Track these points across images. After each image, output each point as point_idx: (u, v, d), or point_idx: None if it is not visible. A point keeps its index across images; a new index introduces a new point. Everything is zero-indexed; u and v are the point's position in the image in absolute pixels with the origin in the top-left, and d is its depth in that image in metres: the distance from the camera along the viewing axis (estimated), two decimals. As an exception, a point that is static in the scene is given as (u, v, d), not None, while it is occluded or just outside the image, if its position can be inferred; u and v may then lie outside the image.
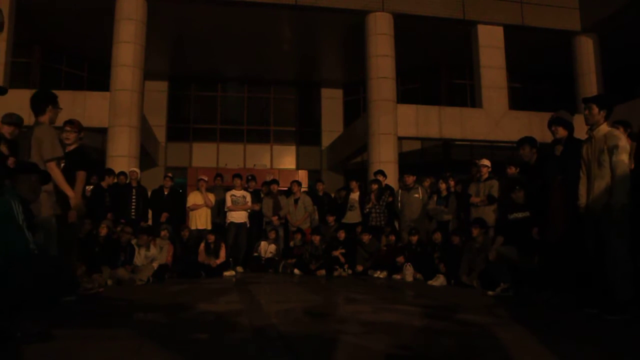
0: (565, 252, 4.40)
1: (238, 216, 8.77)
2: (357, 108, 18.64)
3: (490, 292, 5.42)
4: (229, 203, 8.74)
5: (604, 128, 3.97)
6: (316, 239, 8.39)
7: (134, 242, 7.11)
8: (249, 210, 8.88)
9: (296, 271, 8.23)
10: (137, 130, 11.83)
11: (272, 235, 8.79)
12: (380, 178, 9.04)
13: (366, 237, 8.11)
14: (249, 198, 8.89)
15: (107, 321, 3.63)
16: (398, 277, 7.35)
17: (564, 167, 4.38)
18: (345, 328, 3.25)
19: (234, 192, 8.86)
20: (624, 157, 3.77)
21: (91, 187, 8.25)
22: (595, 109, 4.00)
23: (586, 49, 14.10)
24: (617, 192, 3.72)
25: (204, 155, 18.42)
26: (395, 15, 13.07)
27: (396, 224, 8.55)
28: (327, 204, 9.61)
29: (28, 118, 4.68)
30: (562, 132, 4.58)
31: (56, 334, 2.78)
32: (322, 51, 16.58)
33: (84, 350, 2.63)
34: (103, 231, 6.74)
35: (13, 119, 4.60)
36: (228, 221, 8.74)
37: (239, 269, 8.44)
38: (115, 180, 8.59)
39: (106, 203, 8.03)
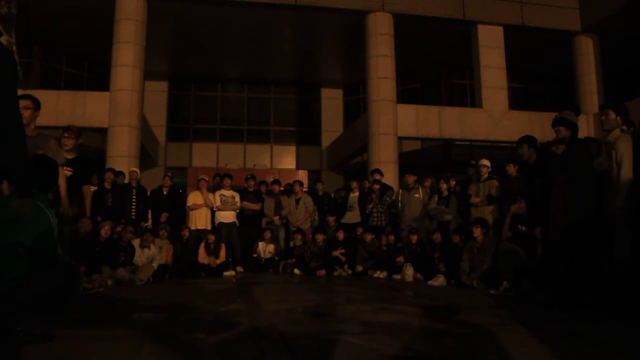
0: (566, 251, 4.41)
1: (227, 216, 8.75)
2: (357, 108, 18.66)
3: (492, 291, 5.44)
4: (218, 202, 8.74)
5: (616, 133, 4.01)
6: (320, 237, 8.39)
7: (134, 242, 7.11)
8: (237, 210, 8.88)
9: (296, 271, 8.23)
10: (137, 130, 11.83)
11: (268, 235, 8.77)
12: (378, 177, 9.04)
13: (369, 237, 8.11)
14: (237, 198, 8.88)
15: (107, 321, 3.63)
16: (398, 277, 7.35)
17: (565, 167, 4.39)
18: (345, 328, 3.25)
19: (223, 191, 8.86)
20: (626, 163, 3.81)
21: (95, 188, 8.24)
22: (612, 115, 4.02)
23: (586, 49, 14.10)
24: (618, 194, 3.77)
25: (204, 155, 18.43)
26: (395, 15, 13.07)
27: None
28: (327, 204, 9.61)
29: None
30: (564, 132, 4.57)
31: (56, 334, 2.78)
32: (322, 51, 16.59)
33: (84, 350, 2.63)
34: (104, 231, 6.74)
35: None
36: (217, 221, 8.73)
37: (239, 269, 8.44)
38: (115, 180, 8.59)
39: (106, 203, 8.03)
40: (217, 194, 8.80)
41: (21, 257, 2.57)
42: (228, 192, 8.87)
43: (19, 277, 2.57)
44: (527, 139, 5.45)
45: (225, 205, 8.75)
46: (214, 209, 8.78)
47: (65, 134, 4.91)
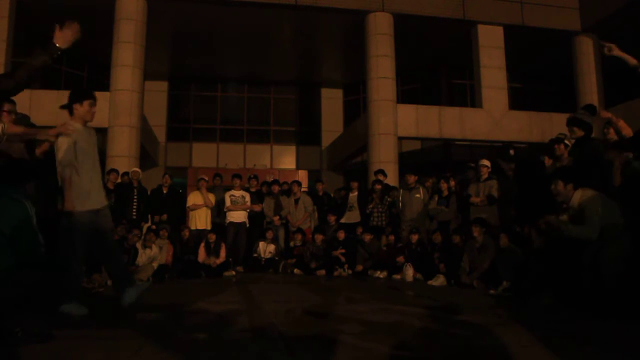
0: (566, 252, 4.41)
1: (237, 216, 8.76)
2: (357, 108, 18.65)
3: (492, 291, 5.44)
4: (228, 203, 8.74)
5: (577, 195, 4.16)
6: (318, 238, 8.39)
7: (138, 244, 7.10)
8: (248, 210, 8.88)
9: (296, 271, 8.22)
10: (137, 130, 11.84)
11: (270, 235, 8.78)
12: (381, 177, 9.04)
13: (368, 237, 8.11)
14: (248, 198, 8.88)
15: (107, 321, 3.64)
16: (398, 277, 7.35)
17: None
18: (345, 328, 3.25)
19: (232, 192, 8.86)
20: (594, 212, 3.99)
21: None
22: (561, 185, 4.17)
23: (586, 49, 14.10)
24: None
25: (204, 155, 18.43)
26: (395, 15, 13.07)
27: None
28: (327, 204, 9.61)
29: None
30: (579, 133, 4.60)
31: (56, 334, 2.78)
32: (322, 51, 16.59)
33: (84, 350, 2.63)
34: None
35: (27, 122, 4.69)
36: (227, 221, 8.74)
37: (239, 269, 8.43)
38: (119, 180, 8.61)
39: (111, 203, 8.03)
40: (227, 194, 8.82)
41: (4, 248, 2.59)
42: (238, 192, 8.87)
43: (7, 269, 2.57)
44: (499, 154, 5.65)
45: (235, 205, 8.76)
46: (224, 210, 8.78)
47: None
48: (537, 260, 4.94)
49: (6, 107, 3.81)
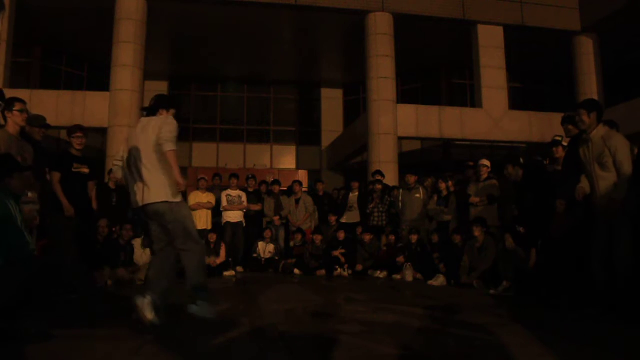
0: (566, 250, 4.40)
1: (234, 216, 8.75)
2: (357, 108, 18.65)
3: (492, 291, 5.44)
4: (224, 203, 8.74)
5: (601, 129, 4.01)
6: (318, 238, 8.39)
7: (135, 241, 7.10)
8: (244, 210, 8.88)
9: (296, 271, 8.22)
10: (137, 130, 11.83)
11: (268, 234, 8.77)
12: (379, 178, 9.04)
13: (367, 237, 8.11)
14: (244, 198, 8.88)
15: (107, 321, 3.63)
16: (398, 277, 7.35)
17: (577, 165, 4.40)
18: (345, 328, 3.25)
19: (229, 191, 8.85)
20: (626, 156, 3.82)
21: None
22: (585, 113, 4.06)
23: (586, 49, 14.10)
24: (621, 187, 3.80)
25: (204, 155, 18.43)
26: (395, 15, 13.07)
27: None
28: (327, 204, 9.60)
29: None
30: (574, 131, 4.60)
31: (56, 334, 2.78)
32: (322, 51, 16.59)
33: (84, 350, 2.63)
34: (101, 230, 6.73)
35: (42, 122, 4.75)
36: (224, 221, 8.74)
37: (239, 268, 8.43)
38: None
39: (112, 203, 8.03)
40: (224, 194, 8.81)
41: None
42: (235, 192, 8.86)
43: None
44: (509, 159, 5.53)
45: (231, 205, 8.76)
46: (221, 209, 8.78)
47: (79, 134, 5.07)
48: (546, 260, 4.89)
49: (17, 106, 3.87)
